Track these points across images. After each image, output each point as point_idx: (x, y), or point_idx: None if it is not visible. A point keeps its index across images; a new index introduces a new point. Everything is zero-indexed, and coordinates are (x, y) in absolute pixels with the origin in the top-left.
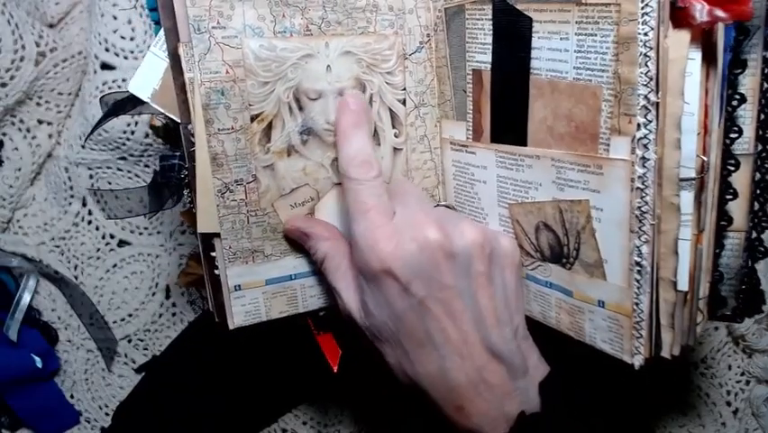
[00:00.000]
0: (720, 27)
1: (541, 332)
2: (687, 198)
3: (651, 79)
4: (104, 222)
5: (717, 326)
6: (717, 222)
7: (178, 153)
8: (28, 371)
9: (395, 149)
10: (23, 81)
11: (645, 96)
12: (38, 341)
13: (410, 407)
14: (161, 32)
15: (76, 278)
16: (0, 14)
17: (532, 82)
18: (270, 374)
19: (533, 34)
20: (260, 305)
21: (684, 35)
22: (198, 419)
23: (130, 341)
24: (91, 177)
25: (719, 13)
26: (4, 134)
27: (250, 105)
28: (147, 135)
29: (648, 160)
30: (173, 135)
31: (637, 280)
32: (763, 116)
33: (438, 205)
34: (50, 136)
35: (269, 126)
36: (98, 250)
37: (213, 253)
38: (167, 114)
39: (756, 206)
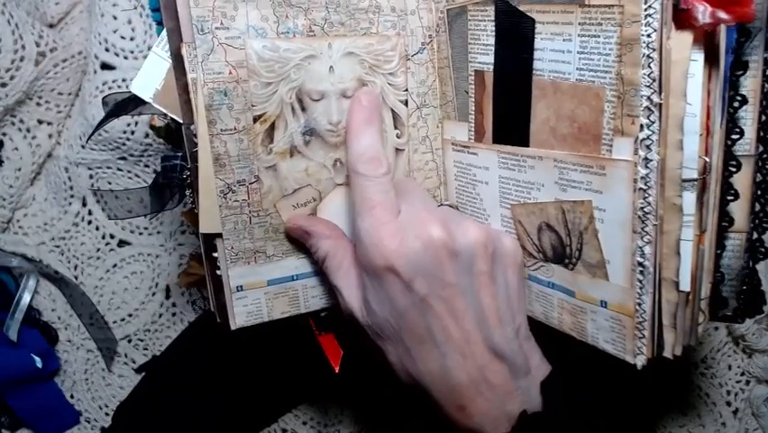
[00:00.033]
0: (722, 29)
1: (543, 332)
2: (689, 199)
3: (654, 81)
4: (104, 222)
5: (717, 326)
6: (718, 223)
7: (179, 154)
8: (28, 371)
9: (397, 150)
10: (23, 81)
11: (648, 98)
12: (38, 341)
13: (411, 407)
14: (164, 33)
15: (76, 278)
16: (0, 14)
17: (534, 83)
18: (271, 374)
19: (535, 35)
20: (262, 305)
21: (687, 37)
22: (198, 419)
23: (130, 341)
24: (91, 177)
25: (722, 14)
26: (4, 134)
27: (252, 105)
28: (147, 135)
29: (651, 161)
30: (175, 136)
31: (640, 281)
32: (764, 118)
33: (442, 204)
34: (50, 136)
35: (272, 127)
36: (98, 250)
37: (215, 254)
38: (169, 114)
39: (757, 207)
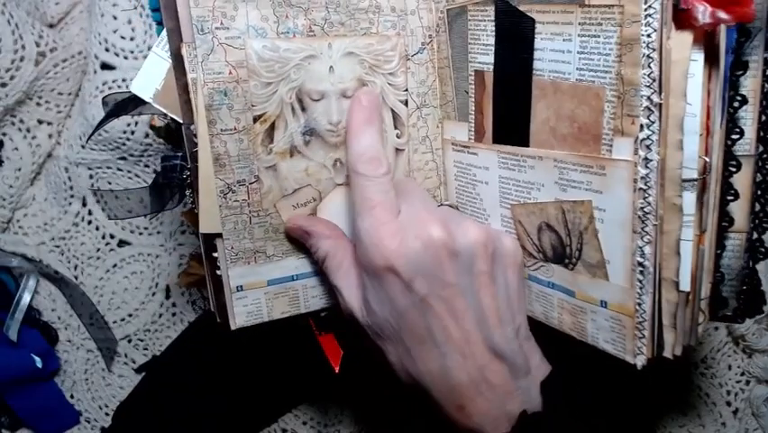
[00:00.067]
0: (722, 29)
1: (543, 332)
2: (689, 199)
3: (654, 81)
4: (104, 222)
5: (717, 326)
6: (718, 223)
7: (179, 154)
8: (28, 371)
9: (397, 150)
10: (23, 81)
11: (648, 98)
12: (38, 341)
13: (411, 407)
14: (164, 33)
15: (76, 278)
16: (0, 14)
17: (534, 83)
18: (271, 374)
19: (535, 36)
20: (262, 305)
21: (687, 37)
22: (198, 419)
23: (130, 341)
24: (91, 177)
25: (722, 14)
26: (4, 134)
27: (253, 105)
28: (147, 135)
29: (651, 161)
30: (175, 136)
31: (640, 281)
32: (763, 118)
33: (442, 204)
34: (50, 136)
35: (272, 127)
36: (98, 250)
37: (215, 254)
38: (169, 114)
39: (757, 207)
